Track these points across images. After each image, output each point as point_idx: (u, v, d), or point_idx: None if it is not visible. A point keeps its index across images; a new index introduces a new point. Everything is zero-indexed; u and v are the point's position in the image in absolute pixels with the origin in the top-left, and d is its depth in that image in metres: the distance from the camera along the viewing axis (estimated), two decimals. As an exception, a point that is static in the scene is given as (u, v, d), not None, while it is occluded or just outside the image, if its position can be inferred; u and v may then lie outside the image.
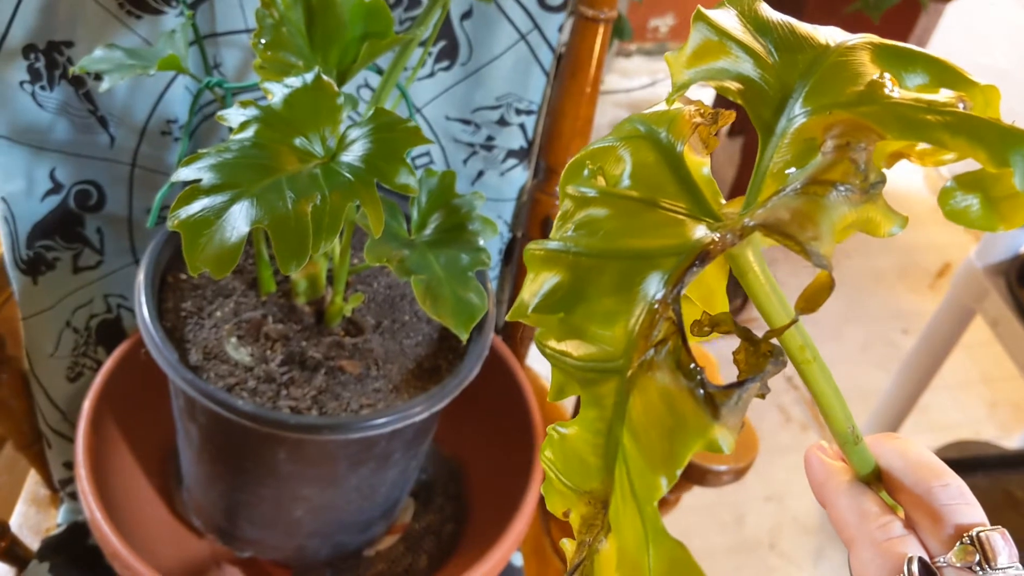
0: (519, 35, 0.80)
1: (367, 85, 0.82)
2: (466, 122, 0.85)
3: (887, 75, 0.26)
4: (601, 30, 0.79)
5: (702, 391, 0.25)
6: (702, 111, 0.28)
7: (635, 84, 1.98)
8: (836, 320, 1.68)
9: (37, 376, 0.80)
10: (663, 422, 0.25)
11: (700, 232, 0.26)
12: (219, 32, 0.74)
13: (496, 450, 0.82)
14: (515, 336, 0.95)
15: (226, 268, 0.41)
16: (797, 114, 0.26)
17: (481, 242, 0.57)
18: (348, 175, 0.44)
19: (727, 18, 0.29)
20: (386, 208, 0.56)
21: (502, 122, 0.85)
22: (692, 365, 0.25)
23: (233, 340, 0.64)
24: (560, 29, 0.80)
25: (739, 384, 0.25)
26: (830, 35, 0.28)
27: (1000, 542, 0.29)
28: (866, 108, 0.25)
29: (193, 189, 0.42)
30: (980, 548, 0.29)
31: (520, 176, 0.89)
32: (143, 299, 0.62)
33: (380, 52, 0.56)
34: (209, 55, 0.75)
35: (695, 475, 0.82)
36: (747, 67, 0.27)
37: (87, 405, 0.74)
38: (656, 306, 0.25)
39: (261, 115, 0.45)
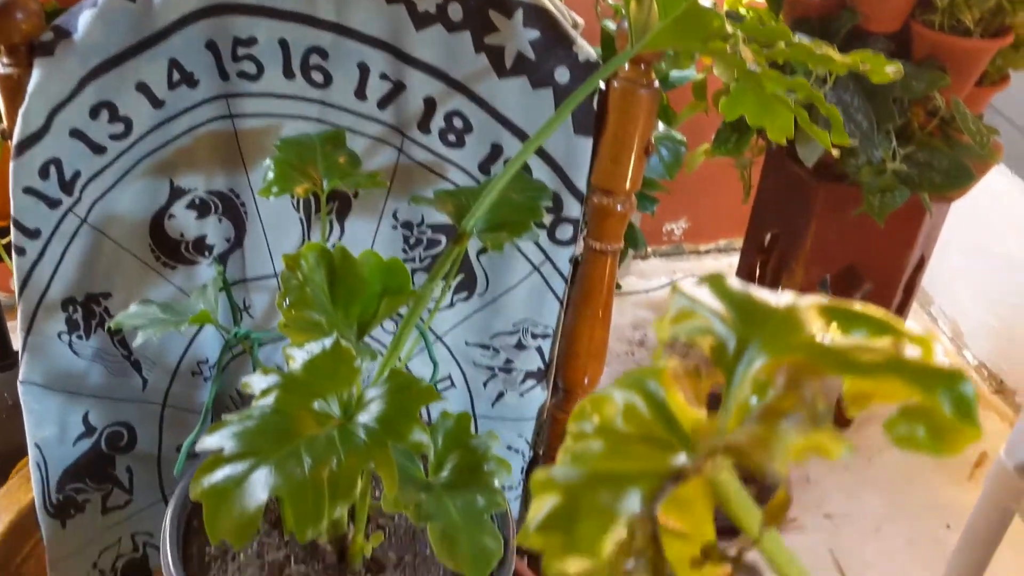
0: (533, 267, 0.84)
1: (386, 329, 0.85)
2: (485, 347, 0.88)
3: (829, 326, 0.31)
4: (609, 260, 0.83)
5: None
6: (686, 368, 0.32)
7: (654, 284, 2.03)
8: (876, 518, 1.63)
9: (62, 620, 0.80)
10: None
11: (677, 457, 0.31)
12: (249, 278, 0.78)
13: None
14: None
15: (245, 537, 0.42)
16: (753, 359, 0.31)
17: (497, 483, 0.58)
18: (363, 437, 0.45)
19: (700, 291, 0.35)
20: (403, 451, 0.58)
21: (519, 346, 0.88)
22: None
23: (255, 585, 0.64)
24: (571, 260, 0.84)
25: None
26: (784, 300, 0.33)
27: None
28: (809, 352, 0.30)
29: (216, 458, 0.44)
30: None
31: (539, 396, 0.91)
32: (167, 547, 0.63)
33: (398, 306, 0.59)
34: (240, 298, 0.79)
35: None
36: (714, 325, 0.33)
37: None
38: (635, 521, 0.29)
39: (282, 381, 0.47)
